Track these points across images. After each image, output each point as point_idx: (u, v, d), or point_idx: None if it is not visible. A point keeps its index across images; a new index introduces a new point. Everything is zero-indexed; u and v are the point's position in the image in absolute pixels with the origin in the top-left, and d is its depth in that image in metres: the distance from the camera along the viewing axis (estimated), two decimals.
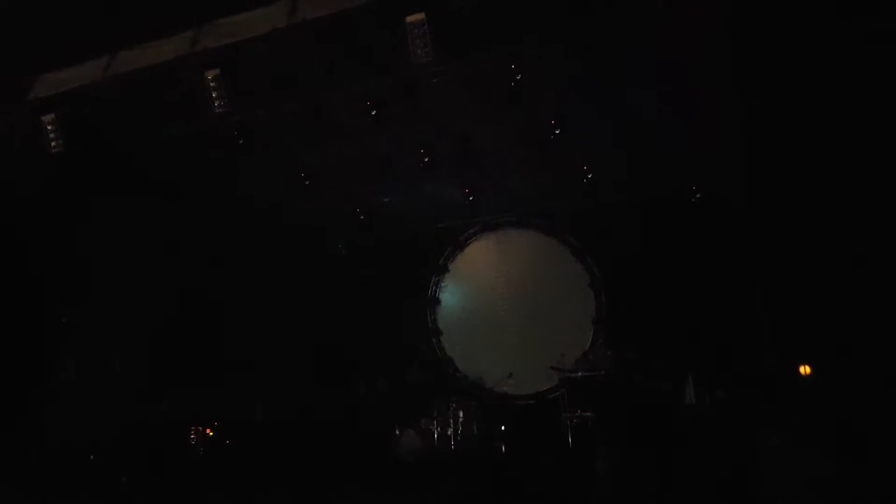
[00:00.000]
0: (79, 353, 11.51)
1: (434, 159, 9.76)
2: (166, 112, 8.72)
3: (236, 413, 11.50)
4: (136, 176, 10.13)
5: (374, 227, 12.32)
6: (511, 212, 12.63)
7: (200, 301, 12.22)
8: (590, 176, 10.22)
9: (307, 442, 10.08)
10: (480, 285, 12.90)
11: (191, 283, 12.09)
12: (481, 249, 13.14)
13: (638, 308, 10.94)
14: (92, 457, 10.39)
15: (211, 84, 8.05)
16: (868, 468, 5.77)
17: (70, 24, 8.14)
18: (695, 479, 6.46)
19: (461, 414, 10.05)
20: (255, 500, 7.94)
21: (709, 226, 10.31)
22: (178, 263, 11.95)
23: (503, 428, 10.20)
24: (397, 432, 10.12)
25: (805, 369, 8.88)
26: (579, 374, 9.68)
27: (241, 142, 9.12)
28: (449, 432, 9.95)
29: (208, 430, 11.33)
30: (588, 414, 9.23)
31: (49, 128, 8.79)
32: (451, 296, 13.16)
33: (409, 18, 7.16)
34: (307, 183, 10.48)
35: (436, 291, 13.22)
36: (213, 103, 8.12)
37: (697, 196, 10.38)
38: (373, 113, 8.43)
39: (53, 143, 8.84)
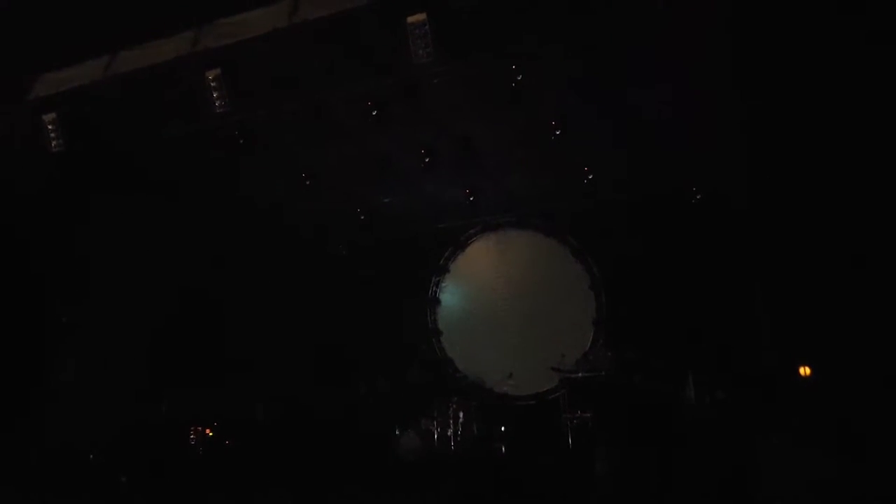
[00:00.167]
0: (79, 353, 11.51)
1: (435, 159, 9.77)
2: (167, 112, 8.73)
3: (236, 413, 11.49)
4: (137, 176, 10.14)
5: (374, 228, 12.32)
6: (511, 212, 12.63)
7: (200, 301, 12.22)
8: (590, 176, 10.23)
9: (307, 442, 10.08)
10: (481, 286, 12.90)
11: (191, 283, 12.09)
12: (482, 250, 13.14)
13: (638, 308, 10.94)
14: (91, 457, 10.38)
15: (211, 84, 8.06)
16: (868, 468, 5.77)
17: (70, 24, 8.14)
18: (695, 479, 6.46)
19: (461, 414, 10.04)
20: (254, 500, 7.94)
21: (709, 226, 10.31)
22: (177, 263, 11.95)
23: (503, 428, 10.18)
24: (397, 432, 10.11)
25: (805, 370, 8.88)
26: (579, 374, 9.67)
27: (241, 142, 9.13)
28: (449, 433, 9.95)
29: (208, 431, 11.32)
30: (588, 415, 9.22)
31: (49, 127, 8.79)
32: (451, 296, 13.16)
33: (410, 19, 7.16)
34: (308, 183, 10.49)
35: (436, 292, 13.22)
36: (214, 103, 8.12)
37: (697, 196, 10.38)
38: (373, 113, 8.44)
39: (54, 143, 8.84)
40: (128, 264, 11.60)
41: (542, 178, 11.21)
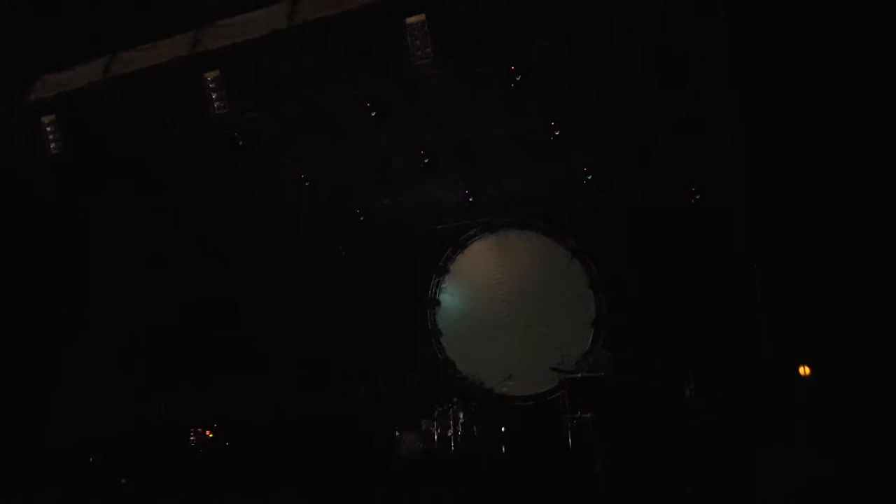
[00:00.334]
0: (79, 353, 11.49)
1: (434, 160, 9.78)
2: (166, 113, 8.73)
3: (236, 415, 11.48)
4: (136, 176, 10.14)
5: (374, 228, 12.31)
6: (511, 213, 12.63)
7: (200, 302, 12.20)
8: (589, 177, 10.22)
9: (307, 443, 10.07)
10: (480, 286, 12.90)
11: (190, 285, 12.07)
12: (481, 250, 13.14)
13: (637, 309, 10.94)
14: (92, 459, 10.38)
15: (211, 85, 8.07)
16: (868, 469, 5.77)
17: (70, 26, 8.14)
18: (694, 479, 6.46)
19: (461, 415, 10.03)
20: (254, 501, 7.94)
21: (709, 226, 10.31)
22: (177, 264, 11.94)
23: (503, 429, 10.18)
24: (397, 433, 10.11)
25: (804, 370, 8.87)
26: (579, 375, 9.67)
27: (240, 143, 9.13)
28: (449, 433, 9.94)
29: (208, 432, 11.31)
30: (588, 415, 9.22)
31: (49, 129, 8.80)
32: (451, 297, 13.17)
33: (410, 20, 7.17)
34: (307, 184, 10.48)
35: (436, 292, 13.22)
36: (213, 104, 8.13)
37: (697, 196, 10.38)
38: (373, 114, 8.45)
39: (53, 144, 8.84)
40: (127, 265, 11.59)
41: (541, 178, 11.21)
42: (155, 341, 11.75)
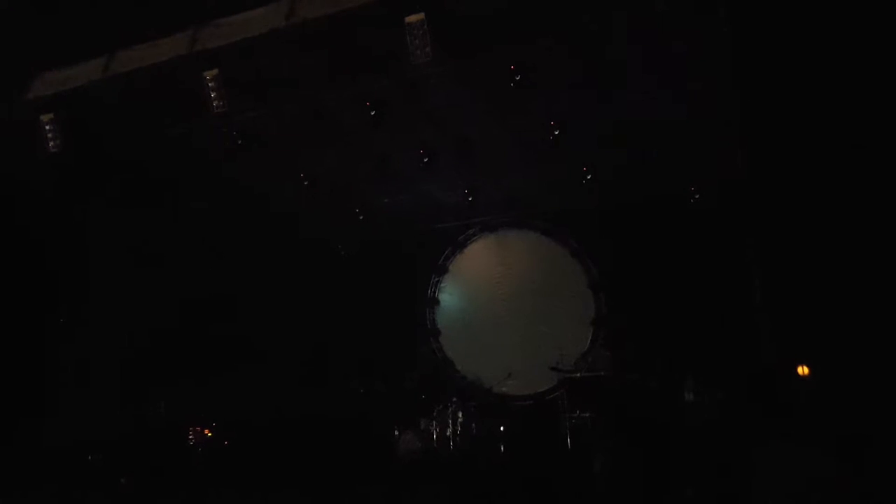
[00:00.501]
0: (78, 351, 11.49)
1: (433, 159, 9.76)
2: (165, 112, 8.72)
3: (235, 414, 11.48)
4: (135, 175, 10.12)
5: (373, 227, 12.30)
6: (510, 212, 12.63)
7: (199, 301, 12.19)
8: (589, 176, 10.22)
9: (306, 442, 10.07)
10: (480, 286, 12.91)
11: (189, 283, 12.06)
12: (480, 250, 13.15)
13: (637, 308, 10.94)
14: (90, 457, 10.37)
15: (210, 84, 8.05)
16: (867, 468, 5.77)
17: (69, 24, 8.12)
18: (694, 479, 6.45)
19: (460, 414, 10.04)
20: (253, 499, 7.93)
21: (708, 226, 10.30)
22: (176, 263, 11.93)
23: (502, 428, 10.18)
24: (396, 433, 10.10)
25: (803, 369, 8.87)
26: (578, 374, 9.67)
27: (239, 142, 9.12)
28: (448, 433, 9.94)
29: (207, 431, 11.31)
30: (587, 414, 9.22)
31: (47, 127, 8.77)
32: (450, 296, 13.17)
33: (409, 19, 7.14)
34: (306, 183, 10.47)
35: (435, 292, 13.21)
36: (212, 103, 8.11)
37: (696, 196, 10.37)
38: (372, 113, 8.43)
39: (52, 143, 8.82)
40: (126, 263, 11.59)
41: (540, 178, 11.20)
42: (154, 340, 11.74)
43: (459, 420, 10.01)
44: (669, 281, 10.56)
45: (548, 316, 12.01)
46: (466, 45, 7.50)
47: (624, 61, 7.72)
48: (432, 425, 10.07)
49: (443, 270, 13.25)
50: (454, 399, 10.22)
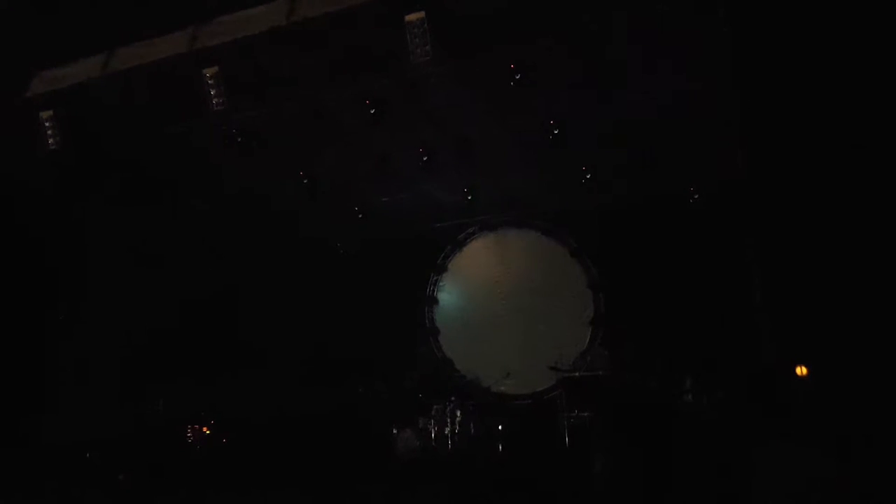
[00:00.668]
0: (77, 350, 11.48)
1: (433, 159, 9.76)
2: (165, 109, 8.70)
3: (233, 412, 11.47)
4: (134, 173, 10.11)
5: (372, 226, 12.30)
6: (509, 211, 12.62)
7: (198, 299, 12.18)
8: (588, 176, 10.21)
9: (305, 441, 10.06)
10: (479, 285, 12.90)
11: (189, 282, 12.05)
12: (480, 249, 13.14)
13: (636, 308, 10.94)
14: (89, 455, 10.36)
15: (209, 82, 8.04)
16: (867, 468, 5.77)
17: (68, 21, 8.11)
18: (693, 479, 6.45)
19: (459, 413, 10.03)
20: (252, 499, 7.92)
21: (708, 226, 10.31)
22: (175, 261, 11.92)
23: (500, 427, 10.18)
24: (395, 432, 10.10)
25: (802, 369, 8.88)
26: (577, 373, 9.67)
27: (239, 140, 9.11)
28: (446, 432, 9.94)
29: (205, 429, 11.30)
30: (585, 414, 9.22)
31: (47, 125, 8.76)
32: (449, 295, 13.16)
33: (409, 17, 7.15)
34: (306, 182, 10.46)
35: (434, 291, 13.21)
36: (212, 101, 8.10)
37: (696, 196, 10.37)
38: (372, 112, 8.42)
39: (52, 140, 8.81)
40: (126, 262, 11.57)
41: (540, 177, 11.20)
42: (153, 337, 11.72)
43: (458, 419, 10.00)
44: (669, 281, 10.56)
45: (547, 315, 12.01)
46: (466, 44, 7.51)
47: (624, 61, 7.72)
48: (431, 424, 10.06)
49: (442, 269, 13.24)
50: (453, 398, 10.21)
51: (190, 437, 11.08)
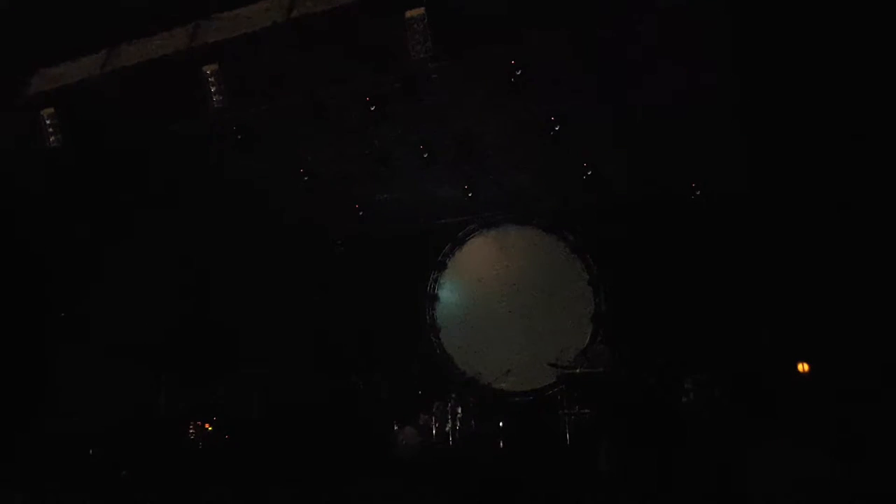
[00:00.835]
0: (79, 346, 11.51)
1: (433, 155, 9.74)
2: (165, 107, 8.69)
3: (235, 408, 11.51)
4: (135, 171, 10.11)
5: (372, 224, 12.29)
6: (510, 208, 12.60)
7: (199, 297, 12.21)
8: (589, 173, 10.20)
9: (305, 438, 10.08)
10: (479, 282, 12.88)
11: (190, 279, 12.08)
12: (480, 246, 13.12)
13: (637, 305, 10.94)
14: (91, 451, 10.40)
15: (210, 79, 8.03)
16: (866, 468, 5.78)
17: (68, 19, 8.10)
18: (693, 477, 6.47)
19: (459, 410, 10.05)
20: (252, 496, 7.94)
21: (708, 225, 10.29)
22: (176, 258, 11.93)
23: (501, 424, 10.19)
24: (395, 428, 10.12)
25: (803, 367, 8.89)
26: (577, 370, 9.67)
27: (239, 137, 9.10)
28: (447, 428, 9.96)
29: (207, 425, 11.33)
30: (586, 411, 9.22)
31: (47, 122, 8.76)
32: (449, 292, 13.15)
33: (409, 13, 7.12)
34: (306, 179, 10.46)
35: (434, 288, 13.20)
36: (212, 98, 8.10)
37: (697, 195, 10.35)
38: (372, 109, 8.41)
39: (52, 138, 8.81)
40: (126, 259, 11.59)
41: (541, 174, 11.18)
42: (154, 335, 11.75)
43: (458, 416, 10.02)
44: (669, 279, 10.55)
45: (547, 312, 12.00)
46: (467, 40, 7.48)
47: (624, 60, 7.70)
48: (431, 421, 10.08)
49: (442, 267, 13.23)
50: (453, 395, 10.23)
51: (192, 433, 11.12)
